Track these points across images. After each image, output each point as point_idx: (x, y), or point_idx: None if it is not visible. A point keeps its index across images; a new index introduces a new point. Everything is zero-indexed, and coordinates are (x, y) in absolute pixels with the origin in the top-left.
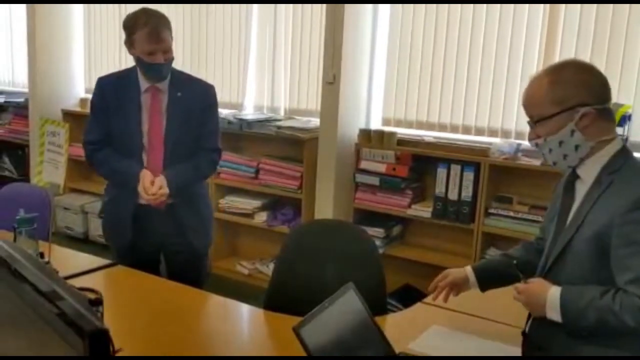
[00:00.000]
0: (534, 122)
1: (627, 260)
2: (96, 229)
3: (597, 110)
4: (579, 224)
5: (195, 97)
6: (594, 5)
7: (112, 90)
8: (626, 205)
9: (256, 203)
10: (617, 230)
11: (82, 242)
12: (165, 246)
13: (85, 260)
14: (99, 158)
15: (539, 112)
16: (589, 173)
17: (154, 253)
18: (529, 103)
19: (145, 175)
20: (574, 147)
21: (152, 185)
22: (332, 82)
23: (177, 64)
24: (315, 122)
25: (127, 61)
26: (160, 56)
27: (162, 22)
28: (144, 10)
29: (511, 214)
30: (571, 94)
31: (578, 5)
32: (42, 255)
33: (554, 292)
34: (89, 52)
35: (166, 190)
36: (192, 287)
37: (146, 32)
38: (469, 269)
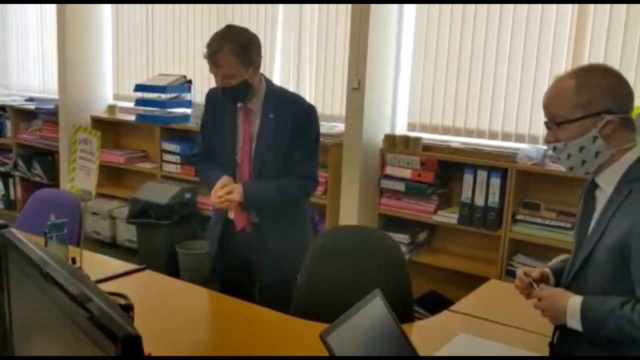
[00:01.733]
0: (556, 124)
1: None
2: (124, 233)
3: (620, 119)
4: (600, 233)
5: (290, 119)
6: (624, 6)
7: (214, 104)
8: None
9: None
10: (637, 240)
11: (110, 247)
12: (251, 264)
13: (114, 265)
14: (200, 168)
15: (562, 115)
16: (608, 181)
17: (241, 271)
18: (552, 104)
19: (222, 180)
20: (594, 153)
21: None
22: (357, 88)
23: (204, 69)
24: (340, 127)
25: (155, 68)
26: (220, 80)
27: (226, 44)
28: (224, 27)
29: (539, 220)
30: (597, 99)
31: (607, 6)
32: (74, 260)
33: (575, 301)
34: (118, 59)
35: (235, 197)
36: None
37: (206, 54)
38: (549, 271)
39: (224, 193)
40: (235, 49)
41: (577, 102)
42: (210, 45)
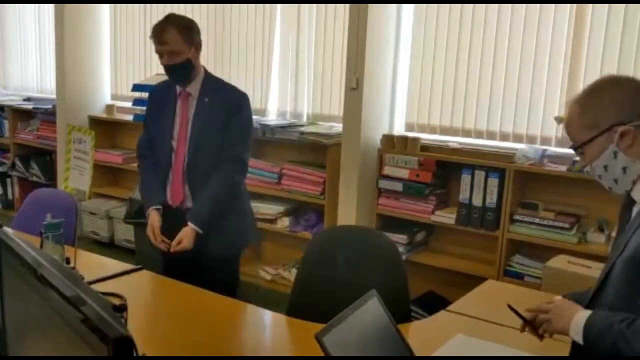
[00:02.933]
0: (576, 149)
1: None
2: (122, 233)
3: (637, 127)
4: (623, 247)
5: (223, 103)
6: (622, 6)
7: (157, 97)
8: None
9: (279, 208)
10: None
11: (108, 247)
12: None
13: (111, 265)
14: (141, 165)
15: (577, 138)
16: (638, 191)
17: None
18: (567, 131)
19: (154, 223)
20: (621, 169)
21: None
22: (355, 88)
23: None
24: (338, 127)
25: (153, 68)
26: (166, 58)
27: (169, 25)
28: (167, 15)
29: (537, 220)
30: (602, 115)
31: (605, 6)
32: (68, 260)
33: (582, 314)
34: (116, 59)
35: (187, 245)
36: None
37: (152, 35)
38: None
39: (175, 245)
40: (178, 28)
41: (585, 124)
42: (155, 27)
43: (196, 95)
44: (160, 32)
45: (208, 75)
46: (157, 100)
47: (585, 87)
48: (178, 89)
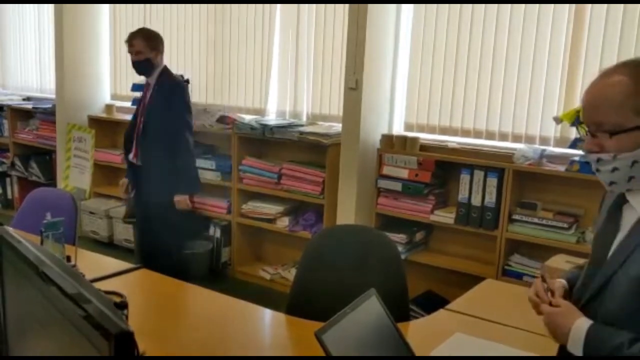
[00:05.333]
0: (607, 132)
1: None
2: (121, 233)
3: None
4: (624, 259)
5: (162, 89)
6: (621, 6)
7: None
8: None
9: (278, 208)
10: None
11: (107, 246)
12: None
13: (111, 263)
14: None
15: (613, 122)
16: None
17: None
18: (599, 107)
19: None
20: None
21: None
22: (354, 88)
23: (202, 69)
24: (337, 127)
25: None
26: (132, 56)
27: (137, 34)
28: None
29: (535, 220)
30: None
31: (604, 5)
32: (68, 258)
33: (580, 325)
34: (115, 59)
35: (184, 206)
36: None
37: (126, 39)
38: (565, 286)
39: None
40: (143, 36)
41: (634, 106)
42: (129, 34)
43: (153, 84)
44: (130, 38)
45: (164, 71)
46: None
47: (632, 59)
48: (146, 80)
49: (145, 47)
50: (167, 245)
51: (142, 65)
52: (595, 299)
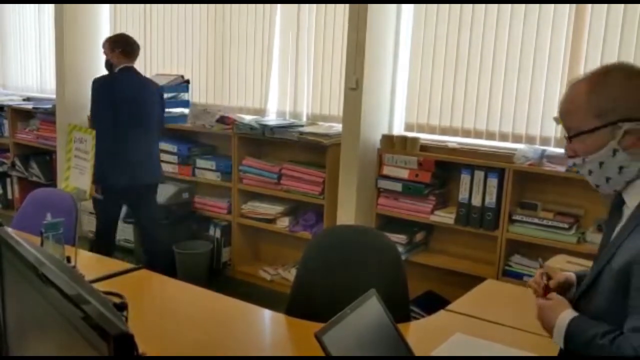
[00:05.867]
0: (570, 136)
1: (637, 303)
2: (121, 233)
3: None
4: (611, 255)
5: None
6: (621, 6)
7: None
8: None
9: (278, 208)
10: (637, 270)
11: None
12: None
13: (110, 264)
14: None
15: (575, 125)
16: (633, 198)
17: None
18: (565, 113)
19: None
20: (617, 168)
21: None
22: (354, 88)
23: (202, 69)
24: (337, 127)
25: (153, 68)
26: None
27: (105, 40)
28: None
29: (536, 220)
30: (614, 106)
31: (605, 5)
32: (68, 259)
33: (564, 317)
34: None
35: None
36: None
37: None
38: (574, 278)
39: None
40: (108, 41)
41: (591, 109)
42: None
43: None
44: (102, 46)
45: (119, 70)
46: None
47: (596, 68)
48: None
49: (107, 49)
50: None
51: (107, 65)
52: (586, 294)
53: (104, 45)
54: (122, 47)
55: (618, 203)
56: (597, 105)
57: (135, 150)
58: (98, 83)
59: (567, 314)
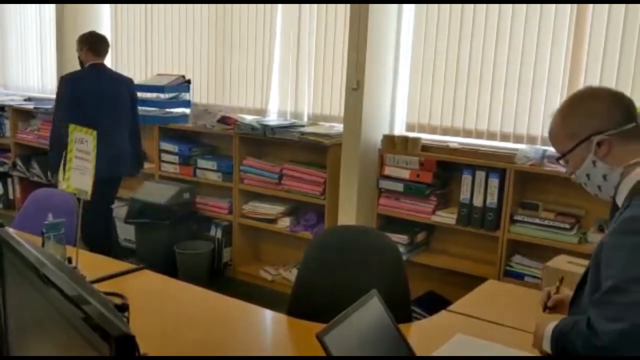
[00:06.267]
0: (558, 159)
1: (601, 279)
2: (123, 233)
3: (613, 135)
4: (597, 252)
5: None
6: (622, 6)
7: None
8: (615, 227)
9: (279, 208)
10: (604, 253)
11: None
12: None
13: (112, 264)
14: None
15: (559, 149)
16: (621, 199)
17: None
18: (550, 140)
19: None
20: (601, 177)
21: None
22: (356, 88)
23: (203, 69)
24: (338, 128)
25: (154, 68)
26: None
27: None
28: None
29: (537, 220)
30: (581, 125)
31: (606, 6)
32: (70, 260)
33: (549, 327)
34: (116, 59)
35: None
36: None
37: None
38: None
39: None
40: (78, 40)
41: (565, 133)
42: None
43: None
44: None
45: (88, 66)
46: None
47: (566, 98)
48: None
49: (78, 48)
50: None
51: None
52: (577, 293)
53: (76, 42)
54: (89, 45)
55: (614, 206)
56: (569, 129)
57: (105, 143)
58: (66, 79)
59: (551, 325)
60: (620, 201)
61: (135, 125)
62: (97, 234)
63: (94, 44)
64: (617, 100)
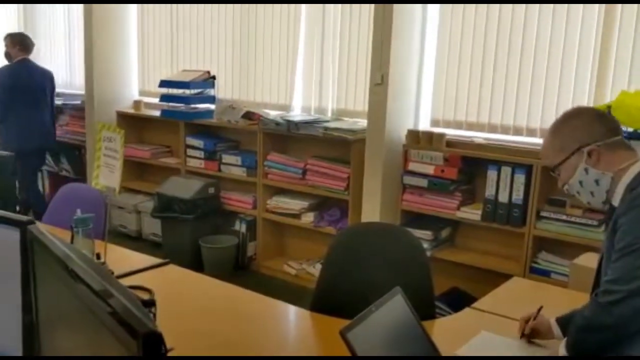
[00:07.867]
0: (553, 171)
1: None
2: (149, 227)
3: (601, 146)
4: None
5: None
6: None
7: None
8: (621, 210)
9: (303, 204)
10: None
11: (136, 240)
12: None
13: (139, 259)
14: None
15: (551, 162)
16: (617, 199)
17: None
18: (543, 158)
19: None
20: (594, 182)
21: None
22: (380, 83)
23: (227, 65)
24: (362, 123)
25: (179, 64)
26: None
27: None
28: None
29: (564, 217)
30: (569, 139)
31: (635, 5)
32: (98, 256)
33: (561, 347)
34: (143, 56)
35: None
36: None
37: None
38: (552, 322)
39: None
40: (9, 39)
41: (555, 148)
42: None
43: None
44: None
45: (17, 60)
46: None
47: (556, 118)
48: None
49: (9, 45)
50: None
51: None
52: (596, 281)
53: (5, 39)
54: (20, 43)
55: (611, 208)
56: (560, 143)
57: (31, 120)
58: (3, 71)
59: (561, 346)
60: (617, 201)
61: (53, 107)
62: (30, 196)
63: (25, 43)
64: (598, 116)
